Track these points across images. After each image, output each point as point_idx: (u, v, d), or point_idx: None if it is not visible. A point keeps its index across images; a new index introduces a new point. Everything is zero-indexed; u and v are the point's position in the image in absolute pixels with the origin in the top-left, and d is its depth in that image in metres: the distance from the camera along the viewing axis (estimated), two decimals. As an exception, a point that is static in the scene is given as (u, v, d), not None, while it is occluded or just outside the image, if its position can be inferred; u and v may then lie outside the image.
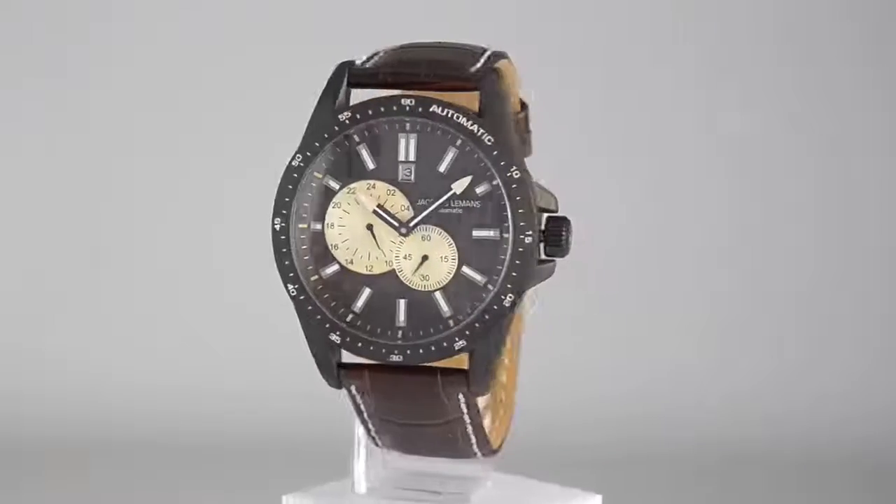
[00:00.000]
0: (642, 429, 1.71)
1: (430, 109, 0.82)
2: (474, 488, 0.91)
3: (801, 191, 1.88)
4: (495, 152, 0.81)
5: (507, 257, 0.81)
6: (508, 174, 0.81)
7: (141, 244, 1.82)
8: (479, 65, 0.83)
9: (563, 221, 0.82)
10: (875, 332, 1.84)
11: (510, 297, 0.81)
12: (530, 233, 0.80)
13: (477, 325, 0.81)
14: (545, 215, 0.83)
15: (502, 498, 0.92)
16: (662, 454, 1.67)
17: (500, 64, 0.84)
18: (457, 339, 0.82)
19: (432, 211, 0.83)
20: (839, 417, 1.74)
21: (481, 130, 0.81)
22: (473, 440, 0.87)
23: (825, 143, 1.89)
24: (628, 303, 1.80)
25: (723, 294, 1.85)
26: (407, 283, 0.83)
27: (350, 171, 0.84)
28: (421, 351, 0.82)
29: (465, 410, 0.84)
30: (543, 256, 0.83)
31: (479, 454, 0.89)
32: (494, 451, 0.90)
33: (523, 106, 0.91)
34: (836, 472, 1.65)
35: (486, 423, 0.89)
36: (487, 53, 0.85)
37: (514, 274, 0.81)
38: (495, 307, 0.81)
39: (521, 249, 0.80)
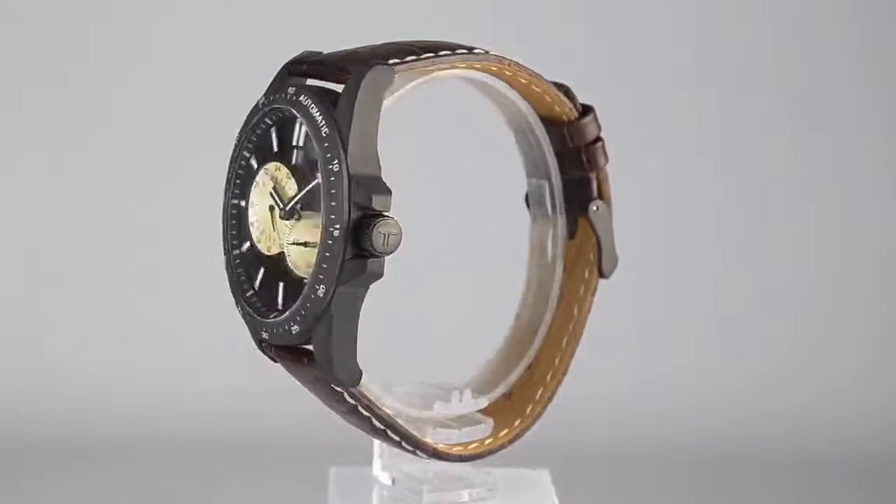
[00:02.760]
0: (642, 428, 1.71)
1: (299, 98, 0.83)
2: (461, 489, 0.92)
3: (800, 190, 1.88)
4: (325, 144, 0.81)
5: (320, 250, 0.81)
6: (329, 167, 0.80)
7: (142, 244, 1.82)
8: (384, 61, 0.82)
9: (376, 220, 0.80)
10: (875, 331, 1.84)
11: (322, 288, 0.80)
12: (338, 226, 0.80)
13: (303, 312, 0.81)
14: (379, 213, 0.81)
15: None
16: (662, 454, 1.67)
17: (452, 62, 0.84)
18: (292, 324, 0.82)
19: (301, 198, 0.84)
20: (839, 417, 1.74)
21: (322, 122, 0.81)
22: (394, 437, 0.87)
23: (825, 142, 1.89)
24: (627, 302, 1.80)
25: (722, 294, 1.85)
26: (292, 267, 0.84)
27: (264, 152, 0.86)
28: (275, 331, 0.84)
29: (351, 401, 0.85)
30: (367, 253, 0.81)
31: (419, 455, 0.89)
32: (459, 459, 0.90)
33: (585, 112, 0.91)
34: (834, 472, 1.65)
35: (483, 427, 0.89)
36: (435, 54, 0.84)
37: (324, 266, 0.80)
38: (312, 296, 0.81)
39: (329, 242, 0.80)
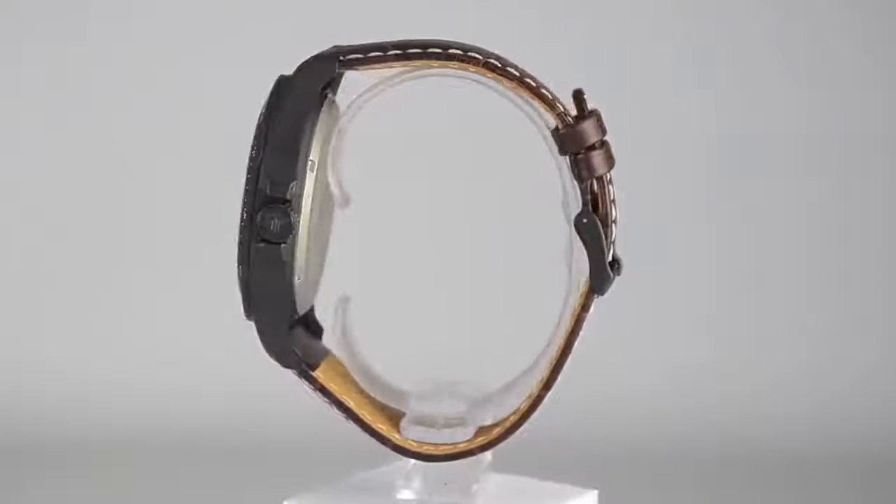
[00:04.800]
0: (642, 428, 1.71)
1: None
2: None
3: (803, 191, 1.88)
4: (256, 132, 0.85)
5: (238, 234, 0.85)
6: (252, 153, 0.85)
7: (141, 245, 1.82)
8: (343, 57, 0.85)
9: (269, 207, 0.84)
10: (875, 332, 1.83)
11: (241, 270, 0.85)
12: (248, 210, 0.84)
13: (242, 293, 0.86)
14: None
15: (500, 497, 0.93)
16: (662, 454, 1.67)
17: (426, 62, 0.84)
18: (244, 303, 0.87)
19: None
20: (839, 417, 1.74)
21: (263, 111, 0.86)
22: (356, 425, 0.90)
23: (829, 143, 1.89)
24: (629, 302, 1.80)
25: (724, 295, 1.85)
26: None
27: None
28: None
29: (309, 385, 0.88)
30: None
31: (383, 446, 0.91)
32: (423, 457, 0.90)
33: (581, 115, 0.85)
34: (835, 472, 1.65)
35: (461, 431, 0.89)
36: (402, 52, 0.85)
37: (241, 247, 0.85)
38: (240, 278, 0.86)
39: (242, 225, 0.85)
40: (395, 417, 0.91)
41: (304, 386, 0.89)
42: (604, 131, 0.86)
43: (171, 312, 1.80)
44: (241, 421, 1.70)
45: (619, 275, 0.88)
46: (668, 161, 1.86)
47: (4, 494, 1.55)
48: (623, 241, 0.88)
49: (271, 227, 0.84)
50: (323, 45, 0.89)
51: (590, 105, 0.86)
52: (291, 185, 0.84)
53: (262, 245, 0.85)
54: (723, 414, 1.74)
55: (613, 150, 0.86)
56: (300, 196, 0.85)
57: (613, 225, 0.86)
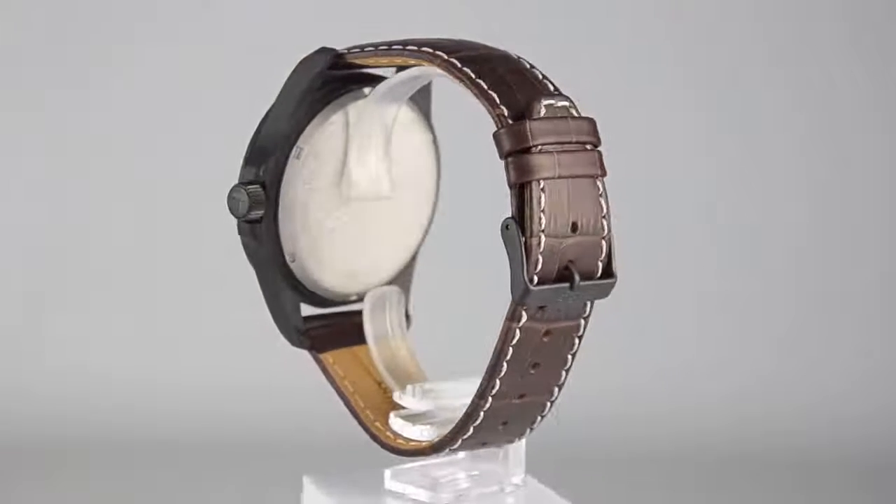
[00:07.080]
0: (642, 428, 1.71)
1: None
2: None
3: (802, 191, 1.88)
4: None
5: None
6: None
7: (141, 244, 1.82)
8: (346, 50, 0.89)
9: (233, 187, 0.89)
10: (875, 332, 1.83)
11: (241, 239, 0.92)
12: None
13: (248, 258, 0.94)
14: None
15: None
16: (662, 454, 1.67)
17: (405, 59, 0.85)
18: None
19: None
20: (839, 417, 1.74)
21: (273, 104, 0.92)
22: (344, 408, 0.93)
23: (826, 143, 1.89)
24: (628, 302, 1.80)
25: (723, 294, 1.85)
26: None
27: None
28: None
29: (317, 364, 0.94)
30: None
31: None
32: (392, 450, 0.91)
33: (511, 122, 0.80)
34: (835, 472, 1.65)
35: (428, 429, 0.89)
36: (389, 48, 0.86)
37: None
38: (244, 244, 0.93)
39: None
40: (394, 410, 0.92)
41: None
42: (574, 135, 0.81)
43: (172, 311, 1.80)
44: (242, 421, 1.70)
45: (575, 290, 0.81)
46: (664, 159, 1.87)
47: (4, 494, 1.55)
48: (620, 239, 0.86)
49: (233, 207, 0.89)
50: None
51: (584, 111, 0.82)
52: (261, 167, 0.88)
53: (241, 222, 0.90)
54: (718, 414, 1.74)
55: (615, 146, 0.85)
56: (275, 180, 0.89)
57: (542, 234, 0.79)
